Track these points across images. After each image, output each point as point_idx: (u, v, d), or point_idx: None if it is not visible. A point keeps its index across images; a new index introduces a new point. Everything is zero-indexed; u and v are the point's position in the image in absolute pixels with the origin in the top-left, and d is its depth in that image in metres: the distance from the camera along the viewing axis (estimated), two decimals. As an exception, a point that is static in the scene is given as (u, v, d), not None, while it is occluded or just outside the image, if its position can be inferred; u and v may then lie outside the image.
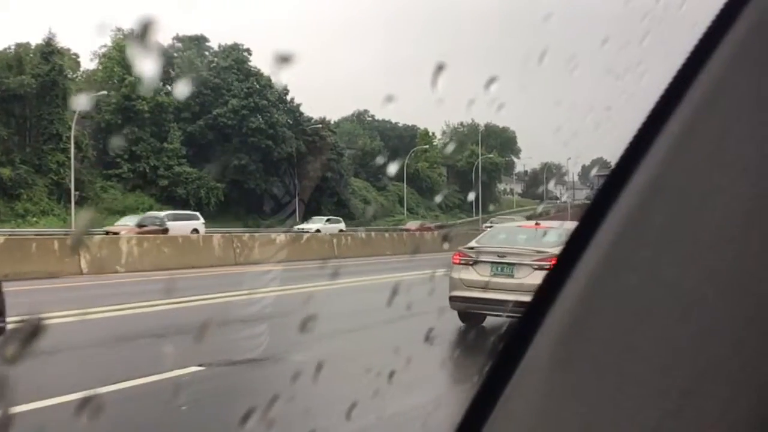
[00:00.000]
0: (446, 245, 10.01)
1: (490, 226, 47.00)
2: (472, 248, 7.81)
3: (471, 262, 7.60)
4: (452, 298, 7.54)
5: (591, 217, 0.64)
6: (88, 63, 55.06)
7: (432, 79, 1.24)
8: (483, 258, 7.56)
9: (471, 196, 56.56)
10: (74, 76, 53.91)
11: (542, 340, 0.63)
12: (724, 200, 0.55)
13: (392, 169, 64.55)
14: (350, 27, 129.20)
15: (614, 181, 0.64)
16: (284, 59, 0.99)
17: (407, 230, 39.15)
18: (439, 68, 1.20)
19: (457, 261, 7.75)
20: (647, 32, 1.99)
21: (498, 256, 7.47)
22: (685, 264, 0.56)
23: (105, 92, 44.24)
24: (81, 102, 32.22)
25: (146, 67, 0.83)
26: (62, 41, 47.32)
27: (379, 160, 54.49)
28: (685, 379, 0.52)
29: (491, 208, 76.55)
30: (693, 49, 0.62)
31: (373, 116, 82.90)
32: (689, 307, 0.54)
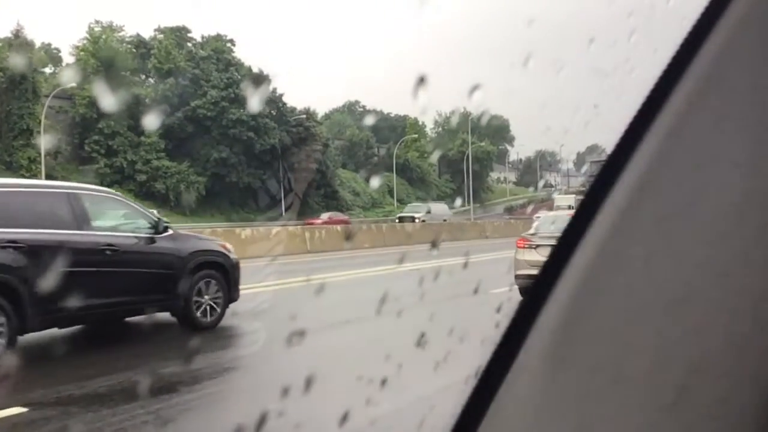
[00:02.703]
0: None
1: (395, 220, 43.51)
2: (533, 234, 9.63)
3: (534, 246, 9.23)
4: (517, 276, 9.00)
5: (583, 215, 0.66)
6: (69, 58, 54.66)
7: (413, 91, 1.27)
8: (543, 242, 9.04)
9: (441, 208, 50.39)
10: (56, 70, 53.63)
11: (536, 339, 0.65)
12: (715, 195, 0.57)
13: (375, 183, 62.96)
14: (343, 18, 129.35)
15: (605, 177, 0.65)
16: (258, 80, 1.01)
17: (310, 224, 31.58)
18: (421, 80, 1.23)
19: (522, 245, 9.56)
20: (634, 29, 2.04)
21: (557, 240, 8.86)
22: (677, 259, 0.57)
23: (74, 84, 43.86)
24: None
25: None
26: (44, 36, 47.07)
27: (373, 182, 51.78)
28: (680, 373, 0.53)
29: (483, 197, 76.80)
30: (682, 43, 0.63)
31: (364, 106, 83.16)
32: (682, 303, 0.55)
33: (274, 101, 53.84)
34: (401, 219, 39.26)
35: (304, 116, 55.29)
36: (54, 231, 6.56)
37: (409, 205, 48.15)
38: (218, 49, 52.57)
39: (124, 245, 7.01)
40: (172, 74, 50.53)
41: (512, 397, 0.65)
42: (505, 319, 0.70)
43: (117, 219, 7.42)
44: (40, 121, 38.86)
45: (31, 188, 7.36)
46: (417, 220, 37.59)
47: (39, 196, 6.97)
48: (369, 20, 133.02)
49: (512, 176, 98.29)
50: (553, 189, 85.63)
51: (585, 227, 0.65)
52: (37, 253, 6.20)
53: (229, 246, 8.37)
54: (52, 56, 59.93)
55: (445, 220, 39.00)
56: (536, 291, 0.67)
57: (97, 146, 45.93)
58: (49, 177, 39.84)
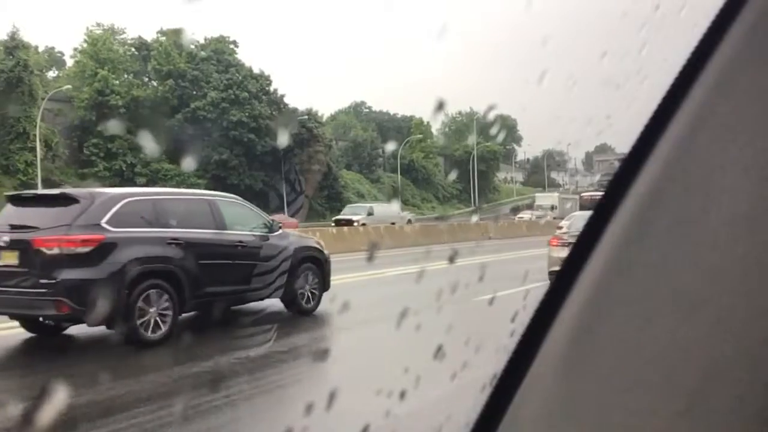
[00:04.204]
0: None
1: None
2: (565, 233, 10.58)
3: (566, 244, 9.93)
4: (551, 273, 9.64)
5: (596, 223, 0.68)
6: (72, 61, 55.22)
7: (432, 116, 1.35)
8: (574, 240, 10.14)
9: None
10: (59, 74, 54.10)
11: (550, 345, 0.67)
12: (727, 201, 0.58)
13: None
14: (350, 20, 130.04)
15: (618, 185, 0.67)
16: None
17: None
18: (440, 106, 1.30)
19: (555, 243, 10.43)
20: (645, 41, 2.11)
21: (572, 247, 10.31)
22: (690, 265, 0.58)
23: (69, 86, 44.10)
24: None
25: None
26: (48, 40, 47.58)
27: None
28: (694, 379, 0.55)
29: (490, 197, 76.82)
30: (692, 52, 0.65)
31: (370, 107, 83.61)
32: (695, 309, 0.56)
33: (276, 102, 53.99)
34: (338, 222, 34.48)
35: (306, 117, 55.40)
36: (202, 230, 8.11)
37: (348, 206, 42.44)
38: (218, 50, 52.73)
39: (249, 242, 8.59)
40: (171, 76, 50.73)
41: (527, 405, 0.67)
42: (519, 327, 0.72)
43: (241, 219, 8.91)
44: (36, 124, 39.06)
45: (183, 196, 9.44)
46: (356, 223, 32.36)
47: (189, 202, 8.75)
48: (375, 21, 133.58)
49: (520, 176, 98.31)
50: (560, 189, 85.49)
51: (598, 235, 0.66)
52: (191, 249, 7.76)
53: (322, 242, 10.13)
54: (56, 59, 60.53)
55: (393, 223, 32.22)
56: (551, 298, 0.69)
57: (96, 149, 46.12)
58: (46, 181, 40.05)
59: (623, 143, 0.72)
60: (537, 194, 68.97)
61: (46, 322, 7.48)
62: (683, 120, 0.63)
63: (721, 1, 0.64)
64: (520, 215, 54.20)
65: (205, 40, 55.04)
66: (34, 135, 39.42)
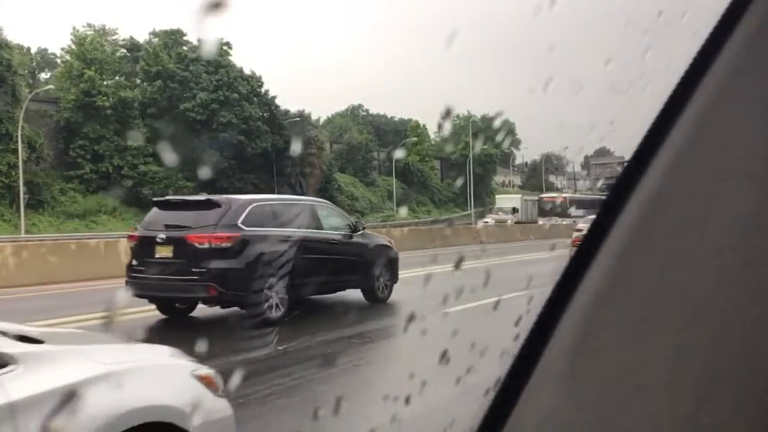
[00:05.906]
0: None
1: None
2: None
3: None
4: None
5: (599, 227, 0.70)
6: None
7: (439, 122, 1.41)
8: None
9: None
10: (51, 75, 54.17)
11: (554, 349, 0.68)
12: (730, 205, 0.59)
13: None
14: (351, 21, 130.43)
15: (620, 189, 0.68)
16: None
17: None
18: (447, 113, 1.36)
19: (577, 244, 11.33)
20: (649, 46, 2.18)
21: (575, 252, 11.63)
22: (693, 270, 0.60)
23: (52, 86, 43.93)
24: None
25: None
26: (41, 41, 47.55)
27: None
28: (698, 384, 0.56)
29: (486, 200, 76.90)
30: (695, 57, 0.67)
31: (367, 110, 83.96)
32: (699, 313, 0.58)
33: (267, 104, 53.95)
34: None
35: (299, 119, 55.39)
36: (306, 230, 9.70)
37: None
38: (210, 51, 52.63)
39: (340, 240, 10.25)
40: (160, 76, 50.65)
41: (531, 409, 0.69)
42: (523, 332, 0.75)
43: (333, 221, 10.50)
44: (21, 126, 38.88)
45: (291, 201, 10.94)
46: None
47: (296, 206, 10.32)
48: (374, 22, 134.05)
49: (518, 180, 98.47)
50: (563, 191, 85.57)
51: (601, 239, 0.68)
52: (299, 245, 9.23)
53: (392, 241, 11.75)
54: (49, 61, 60.61)
55: None
56: (554, 302, 0.71)
57: (82, 151, 45.94)
58: (30, 183, 39.89)
59: (626, 148, 0.76)
60: (498, 196, 67.28)
61: (178, 305, 9.24)
62: (686, 125, 0.64)
63: (723, 8, 0.65)
64: (484, 219, 53.28)
65: (199, 41, 54.87)
66: (17, 136, 39.27)
